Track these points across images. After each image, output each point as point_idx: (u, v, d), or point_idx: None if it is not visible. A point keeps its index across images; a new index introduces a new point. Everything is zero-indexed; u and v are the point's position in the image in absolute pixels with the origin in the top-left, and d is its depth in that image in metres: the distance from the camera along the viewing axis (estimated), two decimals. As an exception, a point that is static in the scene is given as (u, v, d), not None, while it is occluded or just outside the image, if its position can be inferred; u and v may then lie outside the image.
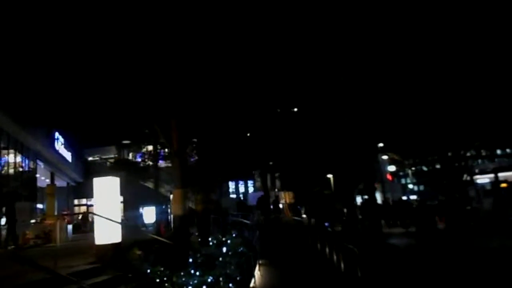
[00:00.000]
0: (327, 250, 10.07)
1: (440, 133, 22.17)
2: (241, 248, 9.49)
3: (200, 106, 9.22)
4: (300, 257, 10.91)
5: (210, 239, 11.26)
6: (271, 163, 29.57)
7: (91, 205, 33.52)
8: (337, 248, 8.45)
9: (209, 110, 9.96)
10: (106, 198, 6.29)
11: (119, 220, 6.29)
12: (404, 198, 30.47)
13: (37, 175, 24.28)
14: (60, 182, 29.49)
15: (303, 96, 22.00)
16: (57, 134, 21.41)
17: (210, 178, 11.88)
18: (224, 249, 8.96)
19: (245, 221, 13.85)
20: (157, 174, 15.61)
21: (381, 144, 23.89)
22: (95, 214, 6.11)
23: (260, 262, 9.15)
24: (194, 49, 8.76)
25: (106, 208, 6.25)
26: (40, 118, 19.45)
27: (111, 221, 5.98)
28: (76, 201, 33.05)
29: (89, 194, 32.66)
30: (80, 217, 29.78)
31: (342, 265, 7.79)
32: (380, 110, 19.29)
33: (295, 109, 25.68)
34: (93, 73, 9.08)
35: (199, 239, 10.13)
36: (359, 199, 26.13)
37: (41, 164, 24.00)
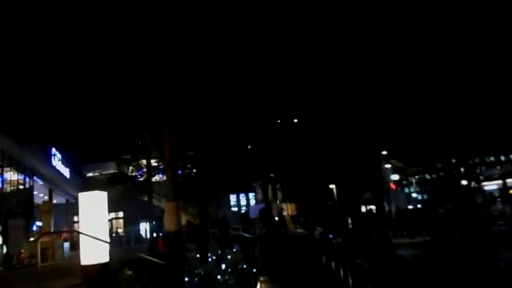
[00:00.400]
0: (333, 264, 9.51)
1: (445, 140, 21.73)
2: (241, 264, 8.96)
3: (195, 113, 8.81)
4: (304, 272, 10.32)
5: (209, 254, 10.73)
6: (272, 175, 29.07)
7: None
8: (344, 262, 7.90)
9: (205, 118, 9.56)
10: (92, 215, 5.82)
11: (108, 238, 5.81)
12: (410, 207, 29.84)
13: (35, 192, 23.87)
14: (59, 199, 29.07)
15: (303, 105, 21.67)
16: (53, 150, 21.08)
17: (208, 190, 11.46)
18: (224, 266, 8.43)
19: (246, 234, 13.30)
20: (151, 187, 15.14)
21: (384, 152, 23.37)
22: (79, 232, 5.64)
23: (262, 279, 8.61)
24: (187, 51, 8.42)
25: (92, 225, 5.78)
26: (36, 134, 19.13)
27: (97, 240, 5.50)
28: (76, 218, 32.56)
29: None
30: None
31: (350, 281, 7.24)
32: (383, 116, 18.89)
33: (295, 120, 25.33)
34: (84, 76, 8.70)
35: (198, 255, 9.61)
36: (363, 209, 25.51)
37: (38, 181, 23.56)
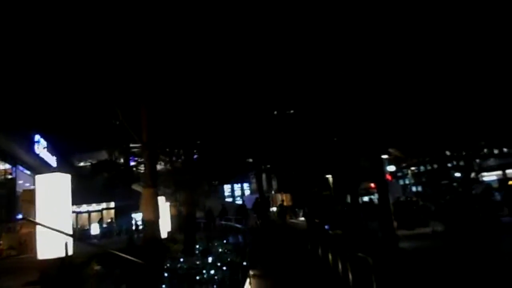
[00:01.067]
0: (330, 257, 8.78)
1: (443, 131, 21.04)
2: (231, 257, 8.19)
3: (180, 93, 7.93)
4: (299, 265, 9.59)
5: (198, 246, 9.97)
6: (268, 166, 28.44)
7: (79, 212, 32.26)
8: (343, 256, 7.15)
9: (193, 101, 8.70)
10: (51, 201, 4.97)
11: (70, 229, 4.97)
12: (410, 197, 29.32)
13: (20, 182, 22.94)
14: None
15: (299, 93, 20.83)
16: (37, 137, 20.07)
17: (199, 179, 10.74)
18: (211, 259, 7.65)
19: (237, 225, 12.55)
20: (127, 174, 14.28)
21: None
22: (33, 222, 4.80)
23: (252, 273, 7.86)
24: (171, 30, 7.53)
25: (52, 213, 4.94)
26: (19, 121, 18.07)
27: (55, 231, 4.67)
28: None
29: (78, 201, 31.41)
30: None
31: (350, 276, 6.50)
32: (381, 104, 18.12)
33: (292, 111, 24.59)
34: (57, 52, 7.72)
35: (183, 247, 8.81)
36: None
37: (24, 170, 22.60)
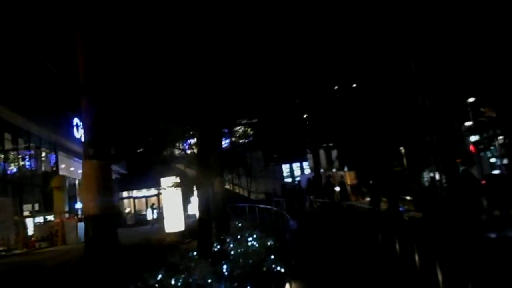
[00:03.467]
0: (416, 257, 5.71)
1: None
2: (258, 259, 5.51)
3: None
4: (368, 270, 6.55)
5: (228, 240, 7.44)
6: (331, 144, 25.45)
7: (136, 197, 31.86)
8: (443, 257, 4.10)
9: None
10: None
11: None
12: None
13: (72, 169, 22.46)
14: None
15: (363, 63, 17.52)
16: (76, 121, 18.94)
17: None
18: (225, 267, 5.04)
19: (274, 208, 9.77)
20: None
21: (471, 99, 18.29)
22: None
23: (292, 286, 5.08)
24: None
25: None
26: (53, 103, 16.87)
27: None
28: (124, 194, 31.48)
29: (136, 186, 30.89)
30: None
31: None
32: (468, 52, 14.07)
33: (354, 85, 21.47)
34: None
35: (198, 245, 6.31)
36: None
37: (75, 159, 22.02)
